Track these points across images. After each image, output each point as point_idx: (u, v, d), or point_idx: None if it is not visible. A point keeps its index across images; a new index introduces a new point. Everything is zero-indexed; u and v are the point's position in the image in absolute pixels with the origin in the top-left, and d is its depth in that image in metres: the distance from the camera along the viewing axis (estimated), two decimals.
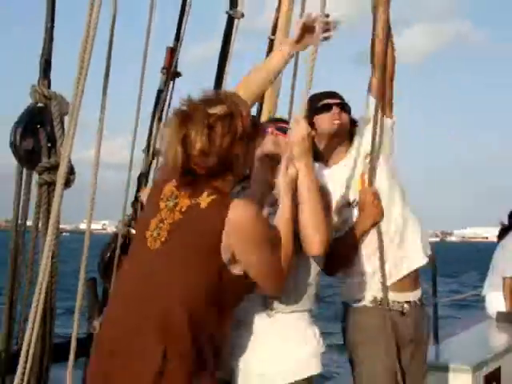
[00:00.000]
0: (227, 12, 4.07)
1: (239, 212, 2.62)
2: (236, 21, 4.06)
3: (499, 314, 7.63)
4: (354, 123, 3.84)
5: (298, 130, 2.95)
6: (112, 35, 3.08)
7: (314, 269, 3.27)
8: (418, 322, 3.87)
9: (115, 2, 3.05)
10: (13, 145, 2.95)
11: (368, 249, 3.77)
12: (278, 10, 3.90)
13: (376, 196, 3.72)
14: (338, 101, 3.75)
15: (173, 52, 3.75)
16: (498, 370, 5.88)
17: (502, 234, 8.14)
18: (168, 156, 2.63)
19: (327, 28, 3.08)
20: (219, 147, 2.60)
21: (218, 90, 3.03)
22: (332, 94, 3.79)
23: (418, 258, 3.88)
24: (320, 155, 3.83)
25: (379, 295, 3.76)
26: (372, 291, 3.79)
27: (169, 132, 2.64)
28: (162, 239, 2.66)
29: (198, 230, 2.64)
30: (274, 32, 3.99)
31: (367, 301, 3.78)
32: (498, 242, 8.17)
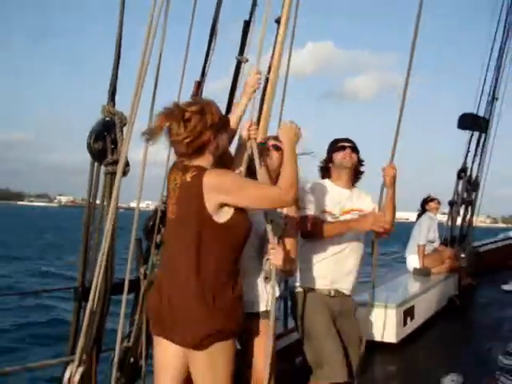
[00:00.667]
0: (236, 57, 4.10)
1: (210, 175, 2.68)
2: (242, 64, 4.08)
3: (415, 269, 8.34)
4: (360, 162, 3.99)
5: (286, 126, 3.12)
6: (158, 70, 3.25)
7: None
8: (343, 302, 3.91)
9: (162, 45, 3.06)
10: (88, 146, 3.10)
11: (336, 248, 3.83)
12: (272, 56, 3.91)
13: (382, 219, 3.80)
14: (350, 144, 3.91)
15: (199, 85, 3.80)
16: (413, 306, 6.21)
17: (418, 216, 8.92)
18: (152, 134, 2.74)
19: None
20: (192, 133, 2.68)
21: (198, 97, 3.04)
22: (347, 140, 3.95)
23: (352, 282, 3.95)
24: (331, 176, 3.99)
25: (321, 285, 3.83)
26: (318, 280, 3.84)
27: (156, 123, 2.74)
28: (175, 210, 2.77)
29: (186, 196, 2.71)
30: (268, 71, 4.03)
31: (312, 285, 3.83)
32: (415, 222, 8.83)
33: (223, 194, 2.66)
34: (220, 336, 2.68)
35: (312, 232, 3.72)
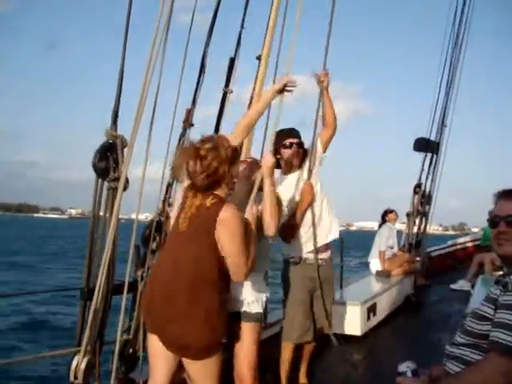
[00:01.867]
0: (223, 89, 4.12)
1: (227, 212, 2.66)
2: (228, 95, 4.11)
3: (377, 271, 8.40)
4: (305, 151, 4.00)
5: (267, 161, 3.10)
6: (156, 100, 3.23)
7: (268, 247, 3.36)
8: (326, 269, 4.05)
9: (160, 78, 3.09)
10: (93, 165, 3.08)
11: (305, 226, 3.90)
12: (253, 90, 3.95)
13: (311, 186, 3.87)
14: (297, 140, 3.92)
15: (189, 112, 3.82)
16: (375, 304, 6.18)
17: (379, 226, 9.04)
18: (177, 174, 2.91)
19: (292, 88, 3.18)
20: (208, 169, 2.67)
21: (211, 134, 3.00)
22: (294, 134, 3.96)
23: (333, 233, 4.06)
24: (281, 167, 4.03)
25: (304, 255, 3.95)
26: (301, 252, 3.95)
27: (175, 159, 2.88)
28: (186, 224, 2.73)
29: (203, 219, 2.70)
30: (250, 102, 4.06)
31: (297, 258, 3.95)
32: (377, 231, 8.95)
33: (224, 234, 2.64)
34: (213, 349, 2.69)
35: (290, 233, 3.87)
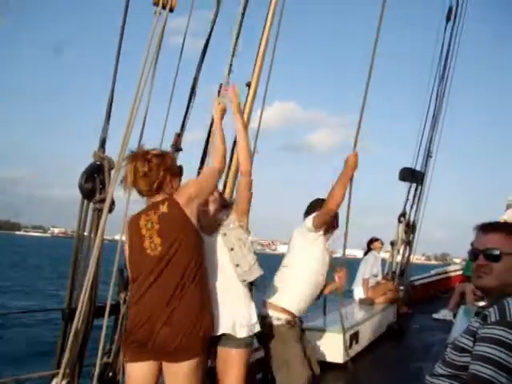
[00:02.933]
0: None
1: (178, 193, 2.83)
2: None
3: (360, 299, 8.37)
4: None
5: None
6: (143, 129, 3.23)
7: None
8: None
9: (148, 101, 3.10)
10: (80, 185, 3.11)
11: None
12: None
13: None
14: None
15: (178, 136, 3.84)
16: (358, 331, 6.16)
17: (364, 254, 9.03)
18: (127, 179, 2.83)
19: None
20: (153, 171, 2.78)
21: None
22: None
23: None
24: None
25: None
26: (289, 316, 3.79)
27: (126, 167, 2.84)
28: (157, 245, 2.75)
29: (171, 223, 2.76)
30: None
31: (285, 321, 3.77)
32: (362, 258, 8.98)
33: (193, 195, 2.78)
34: (199, 351, 2.71)
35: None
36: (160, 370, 2.77)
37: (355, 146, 3.82)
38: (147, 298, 2.72)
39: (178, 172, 2.96)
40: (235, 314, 3.06)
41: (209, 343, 2.82)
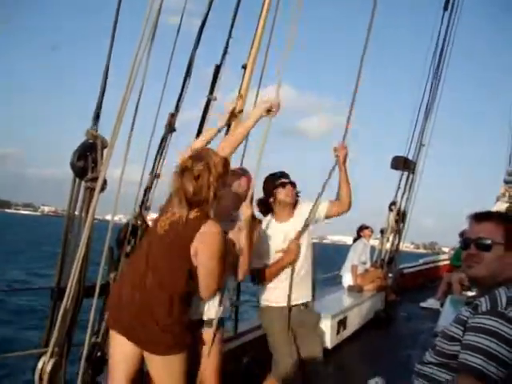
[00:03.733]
0: (207, 96, 4.10)
1: (209, 228, 2.69)
2: (211, 102, 4.07)
3: (349, 286, 8.42)
4: (296, 194, 3.88)
5: (244, 213, 3.11)
6: (137, 105, 3.17)
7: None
8: (303, 313, 3.87)
9: (143, 80, 3.04)
10: (72, 163, 3.02)
11: (282, 276, 3.77)
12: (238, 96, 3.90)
13: (298, 247, 3.75)
14: (290, 180, 3.81)
15: (172, 116, 3.79)
16: (346, 318, 6.22)
17: (354, 241, 9.09)
18: (175, 197, 2.77)
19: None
20: (201, 189, 2.71)
21: (200, 150, 2.96)
22: (285, 175, 3.83)
23: (308, 295, 3.93)
24: (273, 212, 3.90)
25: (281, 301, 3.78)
26: (278, 298, 3.78)
27: (173, 183, 2.80)
28: (166, 228, 2.76)
29: (183, 228, 2.72)
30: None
31: (274, 303, 3.80)
32: (351, 245, 9.05)
33: (204, 249, 2.68)
34: (179, 347, 2.70)
35: (263, 280, 3.76)
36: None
37: (345, 137, 3.96)
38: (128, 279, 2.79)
39: (226, 171, 2.86)
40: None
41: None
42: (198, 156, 2.81)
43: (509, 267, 2.13)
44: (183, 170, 2.75)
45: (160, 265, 2.71)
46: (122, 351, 2.75)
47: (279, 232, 3.82)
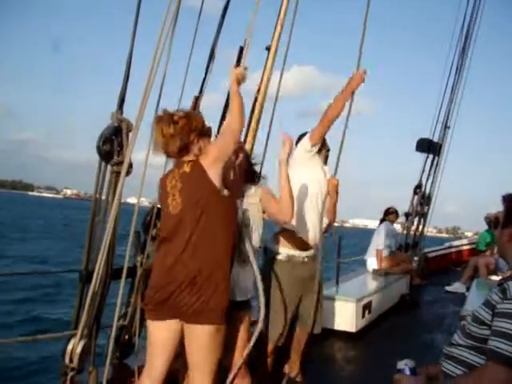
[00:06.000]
0: None
1: (203, 156, 2.80)
2: None
3: (373, 270, 8.34)
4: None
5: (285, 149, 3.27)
6: (161, 90, 3.16)
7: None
8: (313, 266, 3.97)
9: (167, 64, 3.02)
10: (98, 147, 3.01)
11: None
12: (261, 80, 3.86)
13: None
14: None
15: (197, 100, 3.78)
16: (370, 301, 6.22)
17: (379, 223, 8.92)
18: (157, 141, 2.85)
19: None
20: (179, 133, 2.78)
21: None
22: None
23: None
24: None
25: (290, 252, 3.89)
26: (287, 249, 3.88)
27: (153, 130, 2.87)
28: (178, 203, 2.79)
29: (191, 183, 2.78)
30: (257, 92, 3.99)
31: (284, 255, 3.88)
32: (376, 228, 8.98)
33: (216, 157, 2.74)
34: (225, 318, 2.74)
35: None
36: (182, 331, 2.78)
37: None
38: (166, 257, 2.77)
39: (206, 132, 2.93)
40: (246, 278, 3.16)
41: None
42: (181, 109, 2.94)
43: None
44: (161, 117, 2.85)
45: (201, 217, 2.71)
46: (161, 336, 2.78)
47: (316, 163, 4.04)
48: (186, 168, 2.80)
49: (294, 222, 3.78)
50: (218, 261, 2.73)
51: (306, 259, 3.93)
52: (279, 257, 3.87)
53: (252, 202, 3.23)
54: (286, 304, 3.81)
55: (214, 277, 2.69)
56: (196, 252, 2.70)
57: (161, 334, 2.79)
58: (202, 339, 2.71)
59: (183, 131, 2.79)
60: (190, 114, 2.90)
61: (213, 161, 2.75)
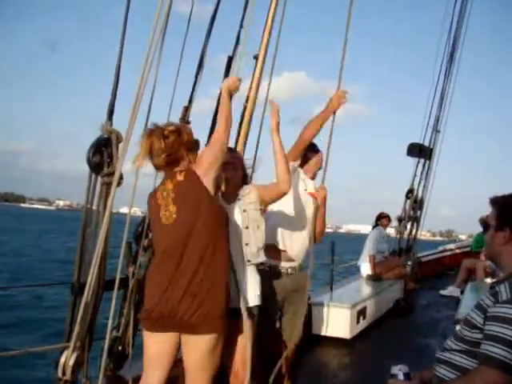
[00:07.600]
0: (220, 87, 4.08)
1: (196, 164, 2.83)
2: None
3: (367, 275, 8.41)
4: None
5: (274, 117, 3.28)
6: (151, 101, 3.16)
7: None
8: (297, 278, 3.94)
9: (156, 75, 3.03)
10: (88, 159, 3.02)
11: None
12: (250, 88, 3.91)
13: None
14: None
15: (186, 110, 3.79)
16: (365, 307, 6.21)
17: (372, 229, 9.05)
18: (140, 154, 2.85)
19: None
20: (171, 148, 2.80)
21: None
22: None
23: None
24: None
25: (273, 263, 3.84)
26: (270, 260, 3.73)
27: (141, 143, 2.85)
28: (173, 213, 2.78)
29: (186, 192, 2.79)
30: (246, 100, 4.02)
31: (266, 266, 3.75)
32: (369, 233, 9.05)
33: (209, 164, 2.77)
34: (224, 327, 2.75)
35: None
36: (179, 342, 2.79)
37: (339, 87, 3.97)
38: (164, 269, 2.75)
39: (195, 146, 2.95)
40: (246, 285, 3.13)
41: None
42: (172, 123, 2.98)
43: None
44: (152, 130, 2.85)
45: (196, 222, 2.72)
46: (159, 348, 2.78)
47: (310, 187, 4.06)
48: (180, 177, 2.81)
49: (280, 242, 3.85)
50: (217, 269, 2.73)
51: (290, 270, 3.89)
52: (261, 267, 3.70)
53: (250, 200, 3.19)
54: (268, 314, 3.73)
55: (213, 287, 2.70)
56: (195, 262, 2.70)
57: (159, 346, 2.78)
58: (201, 349, 2.72)
59: (174, 146, 2.82)
60: (180, 129, 2.92)
61: (206, 169, 2.77)
